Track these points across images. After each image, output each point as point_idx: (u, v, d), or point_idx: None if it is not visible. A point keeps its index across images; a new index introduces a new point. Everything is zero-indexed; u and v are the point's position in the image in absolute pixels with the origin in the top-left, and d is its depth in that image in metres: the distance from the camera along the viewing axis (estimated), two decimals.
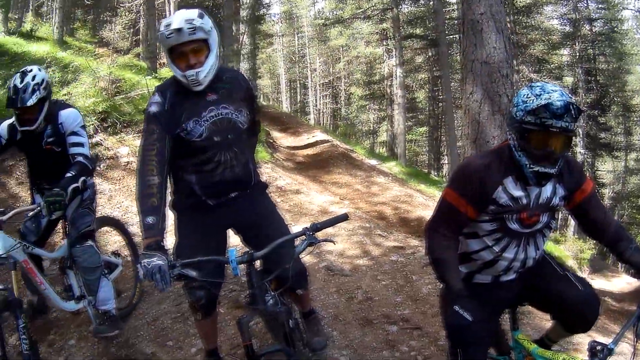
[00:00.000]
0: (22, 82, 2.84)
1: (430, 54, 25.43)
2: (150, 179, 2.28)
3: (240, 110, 2.58)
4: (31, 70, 2.90)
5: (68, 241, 3.17)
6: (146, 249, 2.08)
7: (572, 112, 1.87)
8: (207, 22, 2.36)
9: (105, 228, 4.30)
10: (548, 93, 1.91)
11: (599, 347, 1.79)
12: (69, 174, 2.95)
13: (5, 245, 2.79)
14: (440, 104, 26.90)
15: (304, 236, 2.16)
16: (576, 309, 2.21)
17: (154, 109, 2.44)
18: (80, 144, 3.09)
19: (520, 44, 21.74)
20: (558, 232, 13.09)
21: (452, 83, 20.98)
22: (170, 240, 4.67)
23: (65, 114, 3.06)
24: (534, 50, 23.21)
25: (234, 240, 2.88)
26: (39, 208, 2.87)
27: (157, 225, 2.17)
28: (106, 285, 3.25)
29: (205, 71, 2.40)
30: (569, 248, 13.40)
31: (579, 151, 22.19)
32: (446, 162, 25.94)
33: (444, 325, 2.36)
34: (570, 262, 11.10)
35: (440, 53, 19.17)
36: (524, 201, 2.10)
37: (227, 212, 2.64)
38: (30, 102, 2.83)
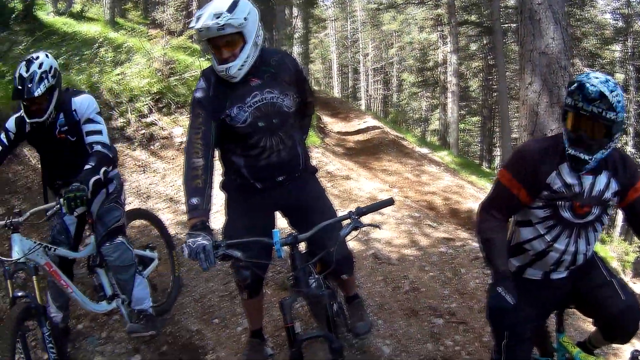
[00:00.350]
0: (27, 71, 2.58)
1: (484, 41, 24.71)
2: (195, 161, 2.29)
3: (286, 94, 2.51)
4: (37, 58, 2.65)
5: (95, 239, 2.94)
6: (191, 229, 2.10)
7: (609, 99, 1.85)
8: (239, 15, 2.22)
9: (141, 221, 4.13)
10: (590, 78, 1.92)
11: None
12: (87, 166, 2.70)
13: (23, 248, 2.56)
14: (494, 94, 26.11)
15: (348, 220, 2.13)
16: (617, 319, 2.17)
17: (198, 94, 2.44)
18: (98, 132, 2.84)
19: (574, 37, 20.88)
20: (605, 231, 12.52)
21: (507, 72, 20.30)
22: (220, 220, 4.76)
23: (78, 101, 2.82)
24: (587, 44, 22.53)
25: (281, 222, 2.86)
26: (57, 206, 2.60)
27: (202, 206, 2.18)
28: (141, 283, 3.03)
29: (237, 66, 2.32)
30: (614, 249, 12.85)
31: (629, 150, 21.28)
32: (498, 153, 25.29)
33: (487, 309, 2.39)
34: (614, 264, 10.63)
35: (494, 41, 18.55)
36: (577, 189, 2.08)
37: (274, 194, 2.64)
38: (37, 92, 2.57)
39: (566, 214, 2.12)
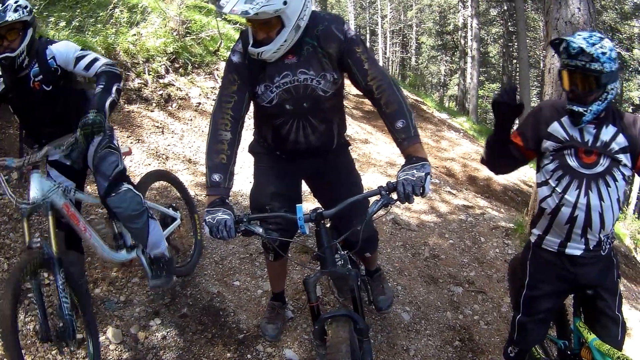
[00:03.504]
0: (2, 4, 2.38)
1: (504, 7, 23.96)
2: (223, 133, 2.12)
3: (323, 75, 2.18)
4: None
5: (99, 192, 2.72)
6: (210, 205, 2.00)
7: (588, 52, 1.96)
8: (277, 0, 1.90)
9: (161, 183, 4.01)
10: (574, 36, 2.05)
11: None
12: (98, 88, 2.51)
13: (43, 187, 2.44)
14: (514, 61, 25.49)
15: (378, 196, 1.95)
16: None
17: (235, 58, 2.20)
18: (94, 59, 2.60)
19: (595, 9, 20.22)
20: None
21: (527, 40, 19.77)
22: (240, 182, 4.72)
23: (55, 47, 2.58)
24: (606, 17, 21.93)
25: (307, 187, 2.81)
26: (74, 138, 2.48)
27: (223, 184, 2.07)
28: (154, 227, 2.88)
29: (272, 50, 2.05)
30: (627, 227, 12.69)
31: None
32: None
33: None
34: (627, 242, 10.52)
35: (516, 8, 17.94)
36: (580, 140, 2.17)
37: (302, 163, 2.54)
38: (10, 17, 2.34)
39: (573, 163, 2.18)
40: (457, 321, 3.62)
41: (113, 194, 2.66)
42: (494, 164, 2.41)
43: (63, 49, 2.59)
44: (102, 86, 2.52)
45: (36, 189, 2.42)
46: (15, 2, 2.40)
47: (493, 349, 3.39)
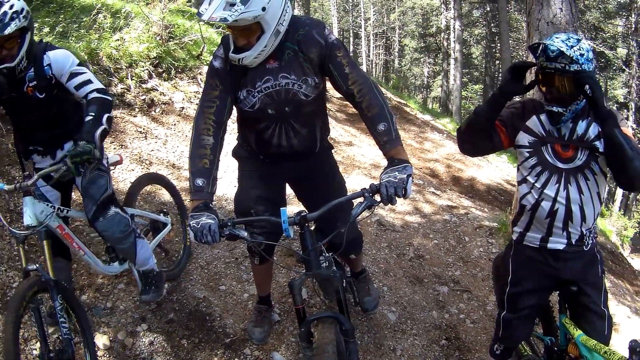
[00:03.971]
0: None
1: (487, 8, 24.25)
2: (206, 138, 2.13)
3: (305, 80, 2.20)
4: (8, 0, 2.34)
5: (87, 215, 2.67)
6: (194, 210, 2.01)
7: (568, 54, 1.98)
8: (256, 6, 1.90)
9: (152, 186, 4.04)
10: (552, 39, 2.06)
11: (638, 349, 1.80)
12: (88, 117, 2.46)
13: (36, 211, 2.41)
14: (497, 62, 25.80)
15: (362, 198, 1.97)
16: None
17: (217, 63, 2.21)
18: (87, 81, 2.54)
19: (577, 9, 20.51)
20: (604, 205, 12.58)
21: (510, 41, 20.00)
22: (224, 186, 4.71)
23: (52, 55, 2.51)
24: (590, 17, 22.21)
25: (291, 191, 2.82)
26: (64, 167, 2.41)
27: (207, 188, 2.08)
28: (143, 246, 2.88)
29: (252, 56, 2.06)
30: (613, 223, 12.89)
31: (630, 125, 21.18)
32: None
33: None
34: (613, 238, 10.67)
35: (498, 9, 18.19)
36: (556, 134, 2.21)
37: (286, 166, 2.55)
38: (8, 30, 2.28)
39: (551, 158, 2.22)
40: (443, 320, 3.65)
41: (101, 218, 2.65)
42: (472, 136, 2.33)
43: (60, 59, 2.52)
44: (92, 115, 2.47)
45: (30, 214, 2.40)
46: (11, 8, 2.32)
47: (480, 347, 3.43)
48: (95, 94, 2.53)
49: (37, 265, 2.34)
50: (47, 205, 2.51)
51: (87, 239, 3.50)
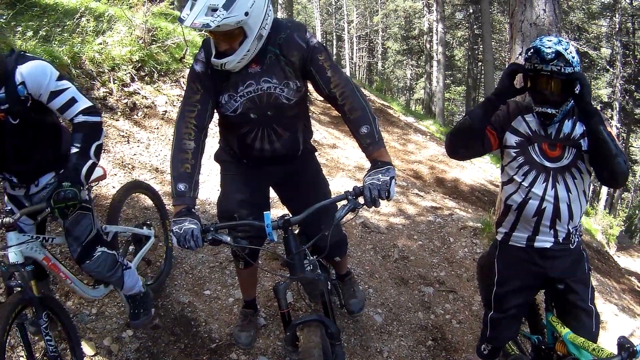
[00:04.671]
0: None
1: (470, 10, 24.48)
2: (187, 143, 2.12)
3: (286, 83, 2.20)
4: None
5: (72, 256, 2.51)
6: (176, 215, 2.00)
7: (565, 56, 2.02)
8: (239, 11, 1.88)
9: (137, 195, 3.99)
10: (543, 42, 2.08)
11: (627, 345, 1.79)
12: (74, 149, 2.19)
13: (21, 248, 2.26)
14: (479, 63, 26.06)
15: (345, 201, 1.98)
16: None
17: (198, 67, 2.19)
18: (72, 100, 2.19)
19: (561, 10, 20.83)
20: (589, 204, 12.80)
21: (492, 42, 20.21)
22: (208, 190, 4.68)
23: (25, 70, 2.08)
24: (573, 18, 22.55)
25: (275, 194, 2.82)
26: (48, 210, 2.18)
27: (189, 193, 2.07)
28: (130, 275, 2.77)
29: (235, 61, 2.05)
30: (599, 222, 13.07)
31: (614, 125, 21.61)
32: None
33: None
34: (599, 237, 10.82)
35: (481, 10, 18.36)
36: (543, 134, 2.24)
37: (269, 170, 2.55)
38: None
39: (538, 158, 2.24)
40: (429, 321, 3.67)
41: (88, 261, 2.49)
42: (466, 140, 2.32)
43: (36, 75, 2.11)
44: (78, 147, 2.19)
45: (15, 251, 2.25)
46: None
47: (466, 347, 3.45)
48: (81, 118, 2.22)
49: (20, 282, 2.23)
50: (31, 237, 2.33)
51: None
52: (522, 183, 2.26)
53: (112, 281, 2.70)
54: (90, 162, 2.22)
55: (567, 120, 2.23)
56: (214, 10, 1.86)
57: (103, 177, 2.95)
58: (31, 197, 2.45)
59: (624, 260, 13.50)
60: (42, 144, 2.33)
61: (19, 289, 2.22)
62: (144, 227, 3.38)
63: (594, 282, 2.50)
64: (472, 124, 2.26)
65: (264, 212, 1.96)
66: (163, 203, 3.71)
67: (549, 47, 2.04)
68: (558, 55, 2.02)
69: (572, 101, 2.16)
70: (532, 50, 2.08)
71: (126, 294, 2.88)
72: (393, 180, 1.94)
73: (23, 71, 2.09)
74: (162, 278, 3.42)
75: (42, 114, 2.26)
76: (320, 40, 2.22)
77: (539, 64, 2.07)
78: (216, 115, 2.36)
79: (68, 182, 2.15)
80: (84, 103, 2.23)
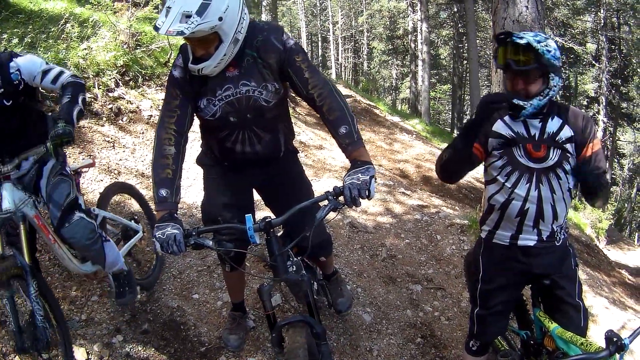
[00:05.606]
0: None
1: (454, 9, 24.64)
2: (168, 148, 2.15)
3: (265, 86, 2.21)
4: None
5: (52, 223, 2.64)
6: (159, 221, 2.02)
7: (535, 48, 2.00)
8: (212, 16, 1.90)
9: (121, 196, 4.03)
10: (519, 34, 2.07)
11: (615, 339, 1.80)
12: (65, 99, 2.51)
13: (14, 198, 2.46)
14: (465, 62, 26.25)
15: (326, 201, 1.99)
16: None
17: (177, 73, 2.21)
18: (60, 72, 2.59)
19: (545, 6, 21.00)
20: (578, 199, 12.87)
21: (477, 40, 20.34)
22: (192, 194, 4.68)
23: (20, 60, 2.51)
24: (558, 14, 22.62)
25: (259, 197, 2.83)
26: (44, 149, 2.53)
27: (170, 198, 2.09)
28: (110, 248, 2.82)
29: (211, 66, 2.07)
30: (587, 216, 13.19)
31: (601, 119, 21.86)
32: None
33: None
34: (588, 231, 10.93)
35: (465, 9, 18.48)
36: (526, 134, 2.22)
37: (251, 172, 2.55)
38: None
39: (522, 159, 2.22)
40: (417, 319, 3.70)
41: (66, 224, 2.59)
42: (457, 166, 2.35)
43: (29, 63, 2.54)
44: (68, 97, 2.53)
45: (9, 199, 2.43)
46: None
47: (456, 344, 3.48)
48: (71, 79, 2.61)
49: (14, 250, 2.38)
50: (25, 194, 2.54)
51: None
52: (505, 184, 2.25)
53: (93, 254, 2.73)
54: (78, 108, 2.54)
55: (550, 120, 2.21)
56: (188, 16, 1.88)
57: (92, 164, 3.23)
58: (23, 179, 2.63)
59: (615, 254, 13.64)
60: (28, 125, 2.61)
61: (9, 257, 2.36)
62: (132, 222, 3.42)
63: (583, 276, 2.54)
64: (457, 153, 2.27)
65: (246, 215, 1.97)
66: (151, 209, 3.72)
67: (522, 38, 2.04)
68: (529, 46, 2.01)
69: (546, 97, 2.13)
70: (508, 39, 2.09)
71: (110, 272, 2.92)
72: (373, 179, 1.96)
73: (19, 62, 2.49)
74: (151, 279, 3.42)
75: (32, 100, 2.64)
76: (298, 42, 2.23)
77: (512, 54, 2.08)
78: (196, 120, 2.37)
79: (62, 121, 2.42)
80: (70, 72, 2.66)
